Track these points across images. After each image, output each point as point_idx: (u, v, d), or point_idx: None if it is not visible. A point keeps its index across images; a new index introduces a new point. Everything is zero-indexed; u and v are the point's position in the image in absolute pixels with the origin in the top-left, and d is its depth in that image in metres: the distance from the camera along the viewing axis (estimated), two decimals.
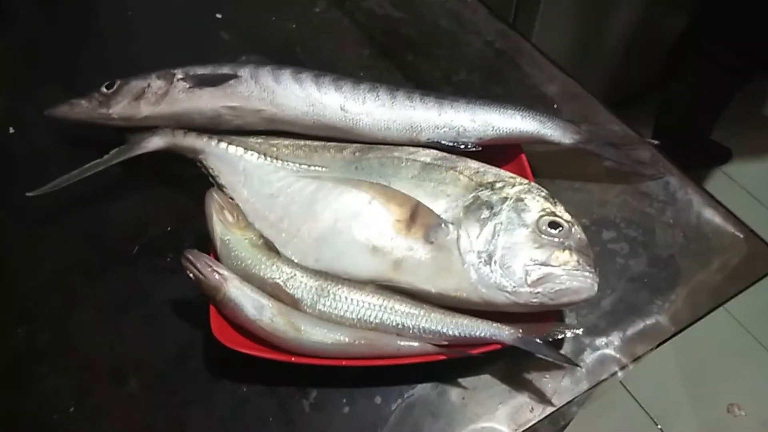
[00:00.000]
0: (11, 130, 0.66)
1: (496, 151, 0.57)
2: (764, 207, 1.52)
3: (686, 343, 1.35)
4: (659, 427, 1.24)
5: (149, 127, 0.58)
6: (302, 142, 0.57)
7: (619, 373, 0.48)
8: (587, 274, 0.45)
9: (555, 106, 0.66)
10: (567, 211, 0.49)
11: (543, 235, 0.47)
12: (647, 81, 1.46)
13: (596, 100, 0.66)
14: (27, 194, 0.55)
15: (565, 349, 0.49)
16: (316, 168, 0.55)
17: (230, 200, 0.52)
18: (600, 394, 1.22)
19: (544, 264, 0.46)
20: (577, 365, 0.48)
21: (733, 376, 1.30)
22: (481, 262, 0.47)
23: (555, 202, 0.50)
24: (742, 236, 0.56)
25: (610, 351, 0.49)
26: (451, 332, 0.46)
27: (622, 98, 1.49)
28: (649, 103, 1.37)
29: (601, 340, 0.50)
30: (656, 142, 0.62)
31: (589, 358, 0.49)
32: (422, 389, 0.48)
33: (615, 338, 0.50)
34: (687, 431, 1.24)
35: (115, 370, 0.50)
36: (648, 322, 0.51)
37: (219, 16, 0.77)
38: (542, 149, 0.58)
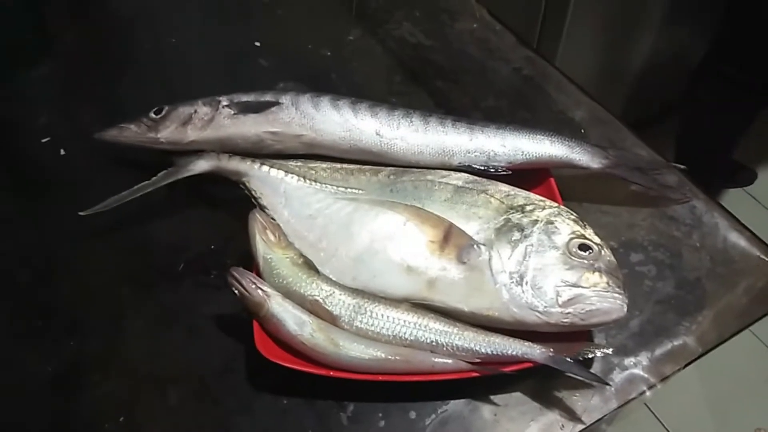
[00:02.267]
0: (62, 152, 0.70)
1: (526, 175, 0.58)
2: None
3: (713, 366, 1.34)
4: None
5: (195, 150, 0.61)
6: (339, 166, 0.60)
7: (647, 393, 0.49)
8: (617, 295, 0.47)
9: (582, 130, 0.68)
10: (596, 233, 0.51)
11: (573, 257, 0.49)
12: (668, 102, 1.48)
13: (622, 124, 0.68)
14: (80, 213, 0.58)
15: (595, 369, 0.50)
16: (353, 190, 0.57)
17: (272, 221, 0.55)
18: (626, 415, 1.22)
19: (575, 285, 0.47)
20: (607, 384, 0.49)
21: (761, 400, 1.28)
22: (512, 282, 0.48)
23: (584, 225, 0.51)
24: (767, 259, 0.57)
25: (638, 371, 0.50)
26: (483, 350, 0.47)
27: (642, 119, 1.50)
28: (670, 124, 1.38)
29: (629, 360, 0.51)
30: (683, 166, 0.63)
31: (618, 377, 0.50)
32: (455, 405, 0.49)
33: (643, 358, 0.51)
34: None
35: (161, 381, 0.52)
36: (675, 343, 0.52)
37: (258, 44, 0.80)
38: (570, 173, 0.60)
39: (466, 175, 0.58)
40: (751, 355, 1.34)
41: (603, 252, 0.49)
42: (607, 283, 0.47)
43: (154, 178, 0.59)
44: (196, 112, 0.61)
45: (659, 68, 1.45)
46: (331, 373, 0.48)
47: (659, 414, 1.26)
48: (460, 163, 0.59)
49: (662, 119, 1.46)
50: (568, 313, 0.47)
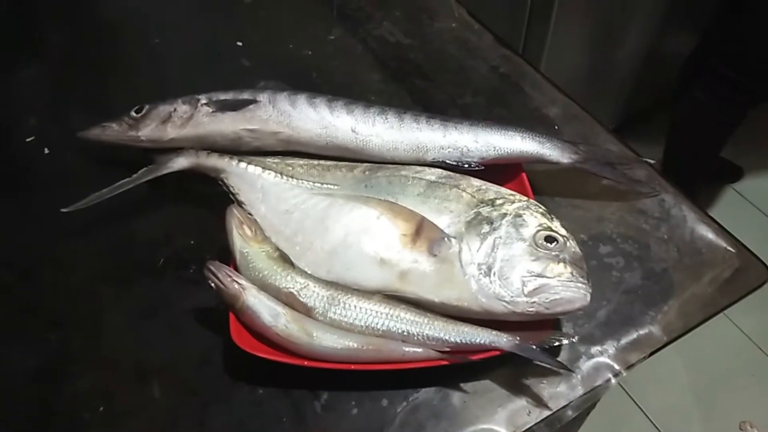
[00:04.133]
0: (46, 151, 0.71)
1: (499, 170, 0.60)
2: None
3: (698, 360, 1.36)
4: None
5: (175, 148, 0.62)
6: (316, 162, 0.61)
7: (613, 380, 0.51)
8: (580, 285, 0.48)
9: (556, 127, 0.70)
10: (563, 226, 0.52)
11: (539, 249, 0.50)
12: (658, 100, 1.49)
13: (595, 121, 0.70)
14: (62, 210, 0.59)
15: (562, 357, 0.52)
16: (329, 186, 0.58)
17: (249, 216, 0.56)
18: (610, 408, 1.24)
19: (540, 275, 0.49)
20: (572, 371, 0.50)
21: (745, 394, 1.30)
22: (481, 273, 0.50)
23: (552, 218, 0.53)
24: (734, 251, 0.58)
25: (604, 359, 0.52)
26: (453, 339, 0.49)
27: (632, 118, 1.52)
28: (661, 121, 1.40)
29: (596, 349, 0.52)
30: (653, 161, 0.65)
31: (584, 365, 0.52)
32: (426, 393, 0.51)
33: (609, 347, 0.53)
34: None
35: (140, 373, 0.54)
36: (641, 332, 0.53)
37: (240, 44, 0.81)
38: (543, 168, 0.62)
39: (439, 170, 0.59)
40: (735, 348, 1.36)
41: (568, 243, 0.51)
42: (571, 273, 0.49)
43: (134, 176, 0.61)
44: (175, 110, 0.62)
45: (645, 68, 1.47)
46: (306, 363, 0.49)
47: (645, 408, 1.27)
48: (434, 158, 0.60)
49: (649, 118, 1.48)
50: (534, 302, 0.48)
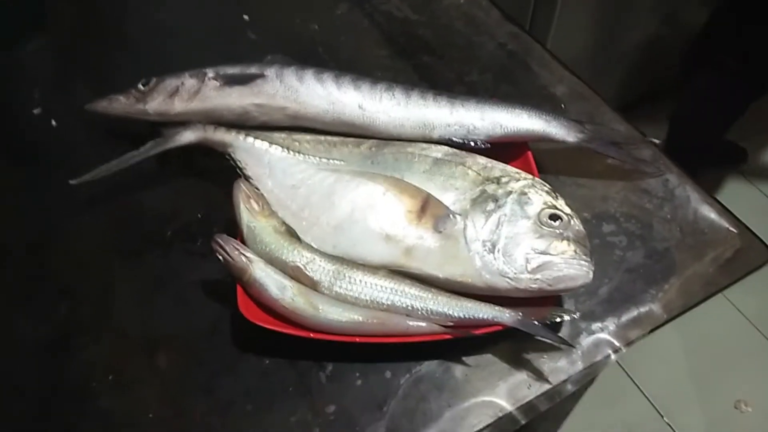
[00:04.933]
0: (53, 123, 0.72)
1: (504, 148, 0.60)
2: None
3: (695, 339, 1.37)
4: (666, 420, 1.26)
5: (182, 122, 0.62)
6: (322, 138, 0.61)
7: (612, 356, 0.52)
8: (583, 262, 0.49)
9: (563, 105, 0.70)
10: (568, 204, 0.53)
11: (543, 227, 0.51)
12: (661, 82, 1.48)
13: (602, 100, 0.70)
14: (70, 182, 0.60)
15: (563, 333, 0.53)
16: (335, 161, 0.59)
17: (256, 190, 0.57)
18: (608, 386, 1.25)
19: (544, 253, 0.49)
20: (572, 346, 0.51)
21: (742, 373, 1.32)
22: (485, 250, 0.50)
23: (556, 196, 0.53)
24: (736, 231, 0.59)
25: (604, 335, 0.53)
26: (456, 314, 0.50)
27: (637, 97, 1.51)
28: (666, 102, 1.39)
29: (596, 325, 0.53)
30: (657, 141, 0.65)
31: (585, 341, 0.52)
32: (429, 365, 0.52)
33: (610, 324, 0.53)
34: (694, 426, 1.26)
35: (149, 343, 0.55)
36: (642, 309, 0.54)
37: (246, 17, 0.81)
38: (549, 147, 0.62)
39: (446, 147, 0.59)
40: (733, 328, 1.37)
41: (572, 222, 0.51)
42: (575, 251, 0.49)
43: (141, 149, 0.61)
44: (183, 84, 0.62)
45: (652, 48, 1.45)
46: (311, 335, 0.50)
47: (642, 385, 1.29)
48: (440, 136, 0.60)
49: (655, 99, 1.47)
50: (537, 279, 0.49)
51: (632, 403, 1.28)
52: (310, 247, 0.54)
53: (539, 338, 0.50)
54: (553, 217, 0.51)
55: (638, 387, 1.29)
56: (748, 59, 1.17)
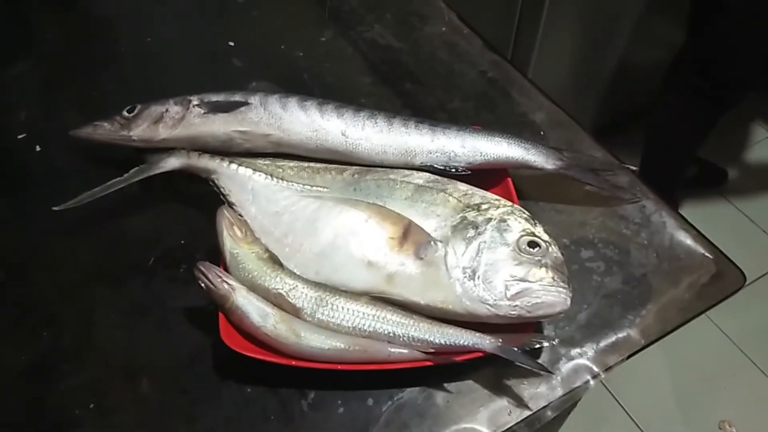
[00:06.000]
0: (38, 149, 0.72)
1: (485, 175, 0.61)
2: (758, 227, 1.56)
3: (680, 360, 1.38)
4: None
5: (166, 148, 0.63)
6: (306, 165, 0.62)
7: (591, 382, 0.52)
8: (561, 289, 0.50)
9: (542, 132, 0.71)
10: (546, 231, 0.54)
11: (522, 254, 0.51)
12: (640, 107, 1.52)
13: (580, 127, 0.71)
14: (53, 208, 0.60)
15: (542, 359, 0.53)
16: (318, 188, 0.60)
17: (239, 217, 0.57)
18: (593, 407, 1.25)
19: (522, 280, 0.50)
20: (552, 373, 0.52)
21: (726, 394, 1.33)
22: (465, 277, 0.51)
23: (535, 223, 0.54)
24: (711, 257, 0.60)
25: (583, 361, 0.53)
26: (437, 341, 0.50)
27: (614, 124, 1.54)
28: (641, 129, 1.42)
29: (575, 351, 0.54)
30: (635, 168, 0.66)
31: (564, 367, 0.53)
32: (410, 392, 0.52)
33: (589, 349, 0.54)
34: None
35: (131, 371, 0.55)
36: (620, 335, 0.55)
37: (232, 44, 0.82)
38: (528, 174, 0.63)
39: (427, 174, 0.60)
40: (716, 348, 1.39)
41: (551, 249, 0.52)
42: (553, 278, 0.50)
43: (126, 175, 0.61)
44: (167, 111, 0.63)
45: (632, 74, 1.49)
46: (293, 362, 0.51)
47: (627, 406, 1.30)
48: (422, 163, 0.61)
49: (634, 124, 1.51)
50: (516, 305, 0.50)
51: (617, 425, 1.28)
52: (292, 274, 0.54)
53: (519, 364, 0.50)
54: (532, 244, 0.52)
55: (623, 408, 1.30)
56: (710, 76, 1.22)
